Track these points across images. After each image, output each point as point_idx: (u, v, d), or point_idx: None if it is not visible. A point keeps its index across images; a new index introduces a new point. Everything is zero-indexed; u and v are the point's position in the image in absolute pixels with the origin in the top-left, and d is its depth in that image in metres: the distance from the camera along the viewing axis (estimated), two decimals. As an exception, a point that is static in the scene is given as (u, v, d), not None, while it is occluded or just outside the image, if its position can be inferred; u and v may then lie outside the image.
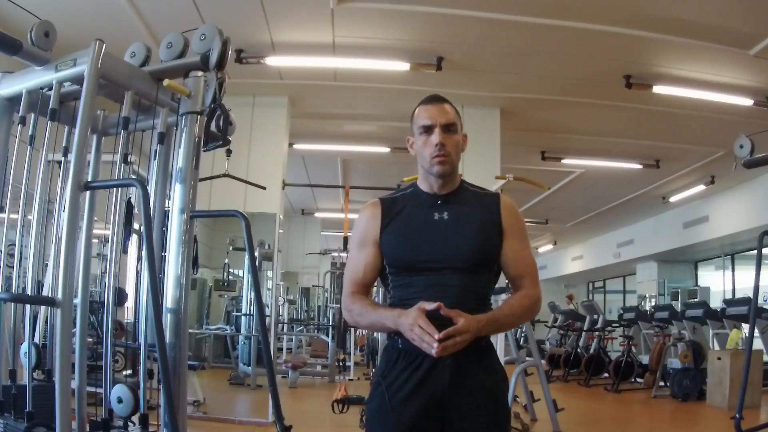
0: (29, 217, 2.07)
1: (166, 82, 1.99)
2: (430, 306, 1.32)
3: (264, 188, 4.87)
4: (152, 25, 4.25)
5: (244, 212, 2.09)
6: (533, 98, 5.54)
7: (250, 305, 6.90)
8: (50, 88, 1.97)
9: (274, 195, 5.28)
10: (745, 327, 6.77)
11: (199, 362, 6.83)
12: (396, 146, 6.83)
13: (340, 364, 6.61)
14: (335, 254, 10.23)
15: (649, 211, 10.26)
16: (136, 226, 2.30)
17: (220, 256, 7.30)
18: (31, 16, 2.04)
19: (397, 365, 1.43)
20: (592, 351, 8.68)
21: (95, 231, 2.17)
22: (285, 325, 9.78)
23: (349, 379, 7.34)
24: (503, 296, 4.07)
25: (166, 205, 2.20)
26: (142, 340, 1.96)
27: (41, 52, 1.98)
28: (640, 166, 7.40)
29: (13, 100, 2.15)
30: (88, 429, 1.89)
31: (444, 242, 1.45)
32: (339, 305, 7.70)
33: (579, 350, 9.15)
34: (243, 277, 7.78)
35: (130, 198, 2.24)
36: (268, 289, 7.13)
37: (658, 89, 5.02)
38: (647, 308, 10.00)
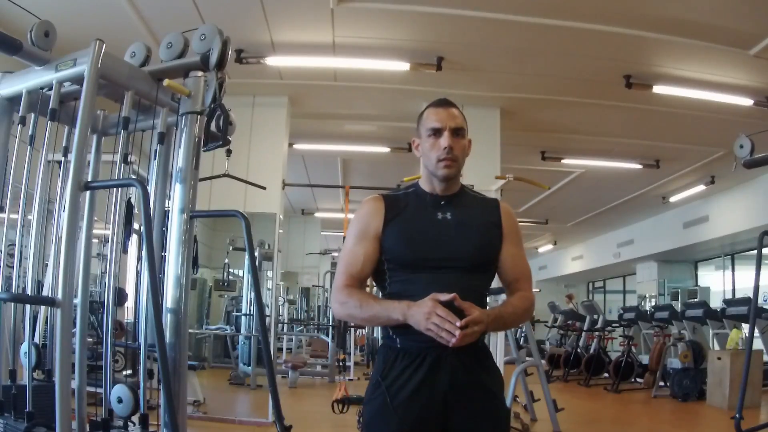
0: (29, 217, 2.07)
1: (166, 82, 1.99)
2: (445, 297, 1.32)
3: (264, 188, 4.87)
4: (152, 25, 4.25)
5: (244, 212, 2.09)
6: (533, 98, 5.54)
7: (250, 305, 6.91)
8: (50, 88, 1.97)
9: (274, 195, 5.28)
10: (745, 327, 6.77)
11: (199, 362, 6.83)
12: (396, 146, 6.83)
13: (340, 364, 6.60)
14: (335, 254, 10.23)
15: (649, 211, 10.26)
16: (136, 226, 2.30)
17: (220, 256, 7.30)
18: (31, 16, 2.04)
19: (396, 365, 1.43)
20: (592, 351, 8.68)
21: (95, 231, 2.18)
22: (285, 325, 9.78)
23: (349, 379, 7.34)
24: (502, 296, 4.07)
25: (166, 205, 2.20)
26: (142, 340, 1.96)
27: (41, 52, 1.98)
28: (640, 166, 7.39)
29: (13, 100, 2.16)
30: (88, 429, 1.89)
31: (447, 242, 1.45)
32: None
33: (579, 350, 9.15)
34: (243, 277, 7.79)
35: (130, 198, 2.25)
36: (268, 289, 7.12)
37: (658, 89, 5.02)
38: (647, 308, 10.00)
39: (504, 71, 5.07)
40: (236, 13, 4.14)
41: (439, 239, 1.46)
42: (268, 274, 7.26)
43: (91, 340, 2.26)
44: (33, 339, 2.10)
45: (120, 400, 1.85)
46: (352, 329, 8.25)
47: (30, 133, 2.04)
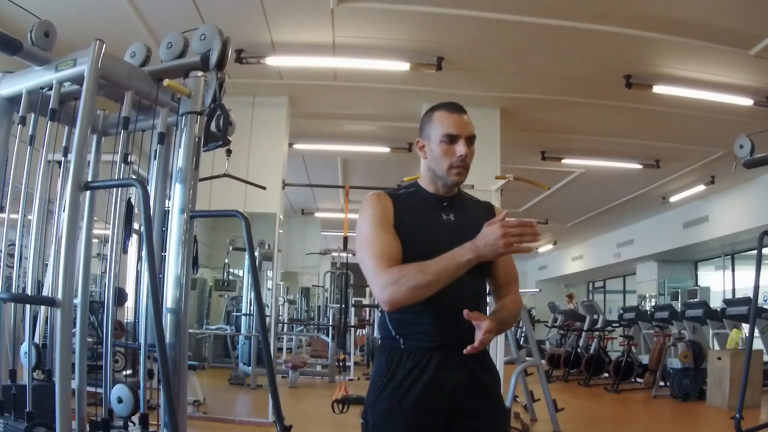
0: (29, 217, 2.07)
1: (166, 82, 1.99)
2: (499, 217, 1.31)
3: (264, 188, 4.87)
4: (152, 25, 4.25)
5: (244, 212, 2.09)
6: (533, 98, 5.54)
7: (250, 305, 6.91)
8: (50, 88, 1.97)
9: (274, 195, 5.28)
10: (745, 327, 6.76)
11: (199, 362, 6.83)
12: (396, 146, 6.83)
13: (340, 364, 6.60)
14: (335, 254, 10.23)
15: (649, 211, 10.26)
16: (136, 226, 2.30)
17: (220, 256, 7.30)
18: (31, 16, 2.04)
19: (402, 366, 1.42)
20: (592, 351, 8.68)
21: (95, 231, 2.17)
22: (285, 325, 9.78)
23: (349, 379, 7.34)
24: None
25: (166, 205, 2.20)
26: (142, 340, 1.96)
27: (41, 52, 1.98)
28: (640, 166, 7.40)
29: (13, 100, 2.15)
30: (88, 429, 1.89)
31: (452, 243, 1.43)
32: (339, 305, 7.71)
33: (579, 350, 9.15)
34: (243, 277, 7.79)
35: (130, 198, 2.24)
36: (268, 289, 7.12)
37: (658, 89, 5.02)
38: (647, 308, 10.00)
39: (504, 71, 5.07)
40: (236, 13, 4.14)
41: (445, 241, 1.44)
42: (268, 274, 7.26)
43: (91, 340, 2.26)
44: (33, 339, 2.10)
45: (120, 400, 1.85)
46: (352, 329, 8.25)
47: (30, 133, 2.03)
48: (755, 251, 3.06)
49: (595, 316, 9.42)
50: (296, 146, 6.74)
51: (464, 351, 1.33)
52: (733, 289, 10.27)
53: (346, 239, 5.86)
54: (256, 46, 4.59)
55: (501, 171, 5.33)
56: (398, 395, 1.39)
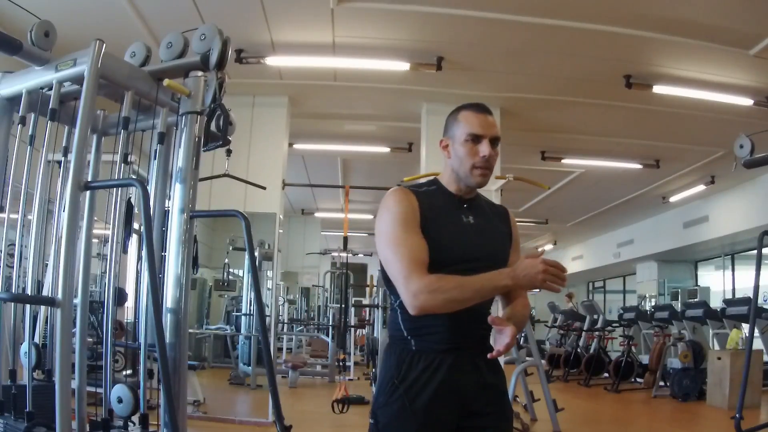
0: (29, 217, 2.07)
1: (166, 82, 1.99)
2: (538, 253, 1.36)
3: (264, 188, 4.87)
4: (152, 25, 4.25)
5: (244, 212, 2.09)
6: (533, 98, 5.54)
7: (250, 305, 6.90)
8: (50, 88, 1.97)
9: (274, 195, 5.28)
10: (745, 327, 6.76)
11: (199, 362, 6.83)
12: (396, 146, 6.83)
13: (340, 364, 6.60)
14: (335, 254, 10.23)
15: (649, 211, 10.26)
16: (136, 226, 2.30)
17: (220, 256, 7.30)
18: (31, 16, 2.04)
19: (414, 367, 1.41)
20: (592, 351, 8.68)
21: (95, 231, 2.17)
22: (285, 325, 9.78)
23: (349, 379, 7.34)
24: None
25: (166, 205, 2.20)
26: (142, 340, 1.96)
27: (41, 52, 1.98)
28: (640, 166, 7.40)
29: (13, 100, 2.15)
30: (88, 429, 1.89)
31: (471, 245, 1.47)
32: (339, 305, 7.71)
33: (579, 350, 9.15)
34: (243, 277, 7.78)
35: (130, 198, 2.24)
36: (268, 289, 7.12)
37: (658, 89, 5.02)
38: (647, 308, 10.00)
39: (504, 71, 5.07)
40: (236, 13, 4.14)
41: (467, 244, 1.47)
42: (268, 274, 7.26)
43: (91, 340, 2.26)
44: (33, 339, 2.10)
45: (120, 400, 1.85)
46: (352, 329, 8.25)
47: (30, 133, 2.03)
48: (755, 251, 3.06)
49: (595, 316, 9.42)
50: (296, 146, 6.74)
51: (488, 356, 1.37)
52: (733, 289, 10.27)
53: (346, 239, 5.86)
54: (256, 46, 4.59)
55: (501, 171, 5.33)
56: (410, 397, 1.39)
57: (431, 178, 1.60)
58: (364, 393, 5.67)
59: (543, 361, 6.75)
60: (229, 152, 4.59)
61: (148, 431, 1.90)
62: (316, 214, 11.25)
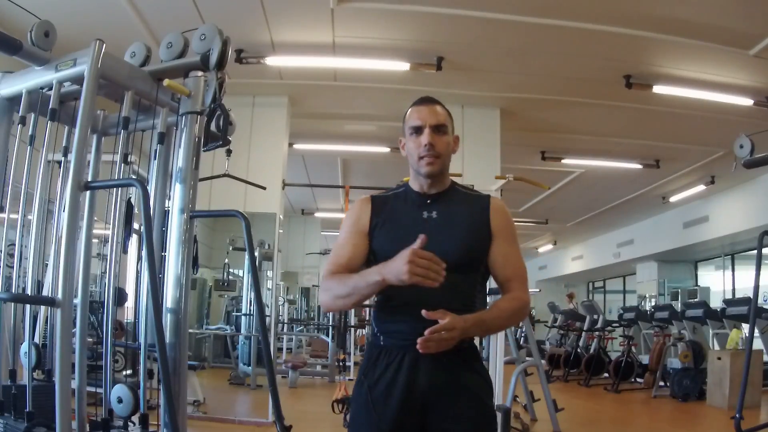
0: (29, 217, 2.07)
1: (166, 82, 1.99)
2: (417, 244, 1.26)
3: (264, 188, 4.87)
4: (152, 25, 4.25)
5: (244, 212, 2.10)
6: (533, 98, 5.54)
7: (250, 305, 6.91)
8: (50, 88, 1.97)
9: (274, 195, 5.28)
10: (745, 327, 6.76)
11: (199, 362, 6.83)
12: (396, 146, 6.78)
13: (340, 364, 6.61)
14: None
15: (649, 211, 10.26)
16: (136, 226, 2.30)
17: (220, 256, 7.30)
18: (31, 16, 2.04)
19: (378, 363, 1.43)
20: (592, 351, 8.68)
21: (95, 231, 2.17)
22: (285, 325, 9.78)
23: (349, 379, 7.33)
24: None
25: (166, 205, 2.20)
26: (142, 340, 1.96)
27: (41, 52, 1.98)
28: (640, 166, 7.40)
29: (13, 100, 2.15)
30: (88, 429, 1.89)
31: (430, 241, 1.40)
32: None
33: (579, 350, 9.15)
34: (243, 277, 7.78)
35: (130, 198, 2.24)
36: (268, 289, 7.13)
37: (658, 89, 5.02)
38: (647, 308, 10.00)
39: (504, 71, 5.07)
40: (236, 13, 4.14)
41: (413, 241, 1.41)
42: (268, 274, 7.26)
43: (91, 340, 2.26)
44: (33, 339, 2.10)
45: (120, 400, 1.85)
46: (352, 329, 8.25)
47: (30, 133, 2.03)
48: (755, 251, 3.06)
49: (595, 316, 9.42)
50: (296, 146, 6.74)
51: (418, 347, 1.28)
52: (733, 289, 10.27)
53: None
54: (256, 46, 4.59)
55: (501, 171, 5.34)
56: (371, 392, 1.41)
57: (406, 182, 1.61)
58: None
59: (543, 361, 6.75)
60: (229, 152, 4.58)
61: (148, 431, 1.90)
62: (316, 214, 11.25)
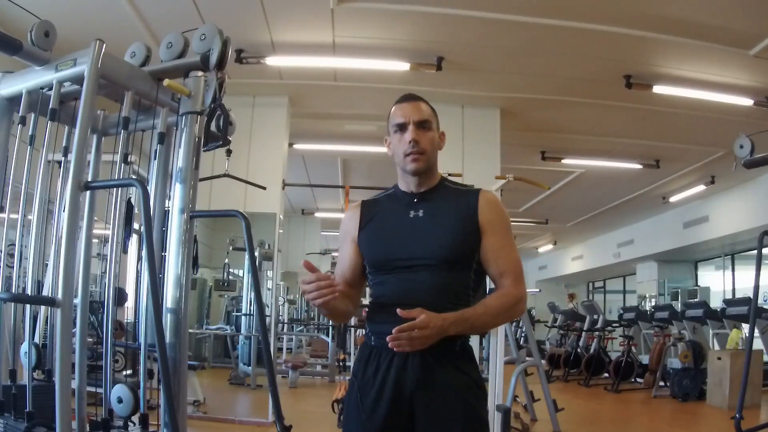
0: (29, 217, 2.07)
1: (166, 82, 1.99)
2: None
3: (264, 188, 4.87)
4: (152, 25, 4.25)
5: (244, 212, 2.10)
6: (533, 98, 5.54)
7: (250, 305, 6.91)
8: (50, 88, 1.97)
9: (274, 195, 5.28)
10: (745, 327, 6.76)
11: (199, 362, 6.83)
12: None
13: (340, 364, 6.60)
14: (335, 254, 10.22)
15: (649, 211, 10.26)
16: (136, 226, 2.30)
17: (220, 256, 7.31)
18: (31, 16, 2.04)
19: (369, 364, 1.43)
20: (592, 351, 8.68)
21: (95, 231, 2.17)
22: (285, 325, 9.78)
23: (349, 379, 7.33)
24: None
25: (166, 205, 2.20)
26: (142, 340, 1.96)
27: (41, 52, 1.98)
28: (640, 166, 7.40)
29: (13, 100, 2.15)
30: (88, 429, 1.89)
31: (416, 240, 1.41)
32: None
33: (579, 350, 9.15)
34: (243, 277, 7.79)
35: (130, 198, 2.24)
36: (268, 289, 7.13)
37: (658, 89, 5.02)
38: (647, 308, 10.00)
39: (504, 71, 5.07)
40: (236, 13, 4.14)
41: (407, 238, 1.43)
42: (268, 274, 7.26)
43: (91, 340, 2.26)
44: (33, 339, 2.10)
45: (120, 400, 1.85)
46: (352, 329, 8.25)
47: (30, 133, 2.03)
48: (755, 251, 3.06)
49: (595, 316, 9.42)
50: (296, 146, 6.74)
51: (390, 344, 1.27)
52: (733, 289, 10.27)
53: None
54: (256, 46, 4.59)
55: (501, 171, 5.32)
56: (362, 393, 1.42)
57: (396, 183, 1.59)
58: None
59: (543, 361, 6.75)
60: (229, 152, 4.59)
61: (148, 431, 1.90)
62: (316, 214, 11.24)
